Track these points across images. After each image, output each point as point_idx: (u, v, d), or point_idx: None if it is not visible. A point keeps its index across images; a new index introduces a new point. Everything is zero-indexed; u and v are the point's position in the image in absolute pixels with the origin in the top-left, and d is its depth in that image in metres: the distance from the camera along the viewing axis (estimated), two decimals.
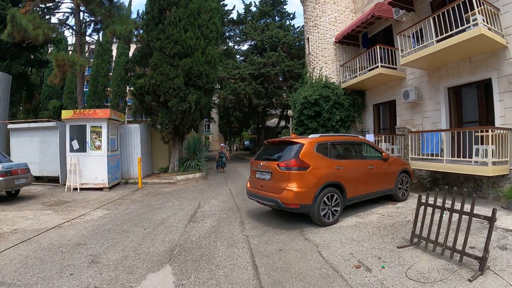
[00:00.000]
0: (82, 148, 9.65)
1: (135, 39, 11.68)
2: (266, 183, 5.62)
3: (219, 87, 23.97)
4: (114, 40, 11.46)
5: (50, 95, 27.61)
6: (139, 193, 9.12)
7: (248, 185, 6.31)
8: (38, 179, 11.34)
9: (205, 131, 43.44)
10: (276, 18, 26.91)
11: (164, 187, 10.25)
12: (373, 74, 10.14)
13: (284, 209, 5.27)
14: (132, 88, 12.19)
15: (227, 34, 27.23)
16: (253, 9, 26.79)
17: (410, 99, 9.36)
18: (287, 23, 26.51)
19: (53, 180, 11.06)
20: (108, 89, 29.81)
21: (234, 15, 27.25)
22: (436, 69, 8.67)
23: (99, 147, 9.54)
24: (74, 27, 12.43)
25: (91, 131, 9.55)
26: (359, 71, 11.24)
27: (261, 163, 5.80)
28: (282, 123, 29.99)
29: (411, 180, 7.83)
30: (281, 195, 5.14)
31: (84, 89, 32.10)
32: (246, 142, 45.17)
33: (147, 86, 11.03)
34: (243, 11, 27.00)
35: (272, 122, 33.19)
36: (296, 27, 26.89)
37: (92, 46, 25.13)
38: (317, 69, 12.96)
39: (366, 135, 10.34)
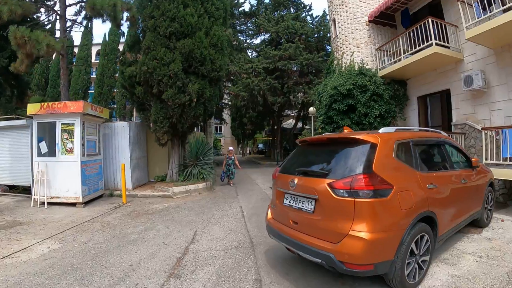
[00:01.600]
0: (52, 152, 7.49)
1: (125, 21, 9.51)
2: (305, 219, 3.03)
3: (230, 84, 21.88)
4: (96, 18, 9.24)
5: (55, 97, 26.37)
6: (119, 212, 6.79)
7: (270, 216, 3.66)
8: (12, 188, 9.47)
9: (216, 134, 41.71)
10: (292, 9, 24.71)
11: (155, 202, 7.90)
12: (426, 55, 7.98)
13: (344, 272, 2.67)
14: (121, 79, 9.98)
15: (238, 28, 25.15)
16: (266, 0, 24.74)
17: (474, 86, 7.35)
18: (303, 15, 24.25)
19: (29, 190, 9.09)
20: (115, 90, 28.48)
21: (246, 7, 25.26)
22: (507, 47, 6.82)
23: (71, 151, 7.30)
24: (59, 11, 10.54)
25: (61, 130, 7.30)
26: (402, 54, 9.13)
27: (295, 180, 3.14)
28: (299, 124, 27.79)
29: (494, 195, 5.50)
30: (338, 246, 2.61)
31: (90, 91, 31.32)
32: (260, 145, 43.56)
33: (138, 75, 8.80)
34: (256, 2, 24.96)
35: (289, 123, 31.01)
36: (314, 16, 24.60)
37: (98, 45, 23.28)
38: (348, 54, 10.62)
39: None
